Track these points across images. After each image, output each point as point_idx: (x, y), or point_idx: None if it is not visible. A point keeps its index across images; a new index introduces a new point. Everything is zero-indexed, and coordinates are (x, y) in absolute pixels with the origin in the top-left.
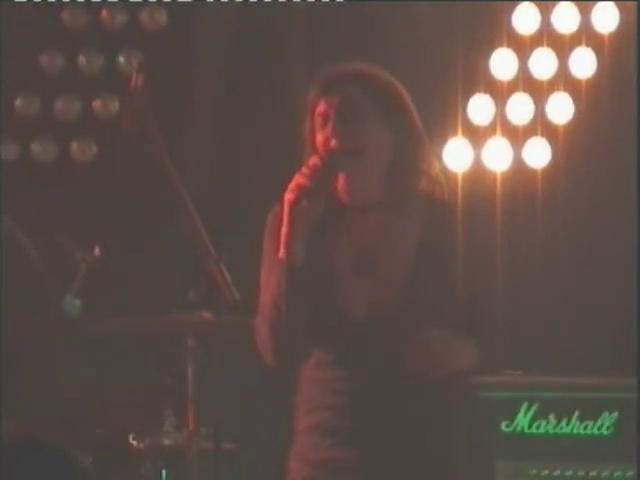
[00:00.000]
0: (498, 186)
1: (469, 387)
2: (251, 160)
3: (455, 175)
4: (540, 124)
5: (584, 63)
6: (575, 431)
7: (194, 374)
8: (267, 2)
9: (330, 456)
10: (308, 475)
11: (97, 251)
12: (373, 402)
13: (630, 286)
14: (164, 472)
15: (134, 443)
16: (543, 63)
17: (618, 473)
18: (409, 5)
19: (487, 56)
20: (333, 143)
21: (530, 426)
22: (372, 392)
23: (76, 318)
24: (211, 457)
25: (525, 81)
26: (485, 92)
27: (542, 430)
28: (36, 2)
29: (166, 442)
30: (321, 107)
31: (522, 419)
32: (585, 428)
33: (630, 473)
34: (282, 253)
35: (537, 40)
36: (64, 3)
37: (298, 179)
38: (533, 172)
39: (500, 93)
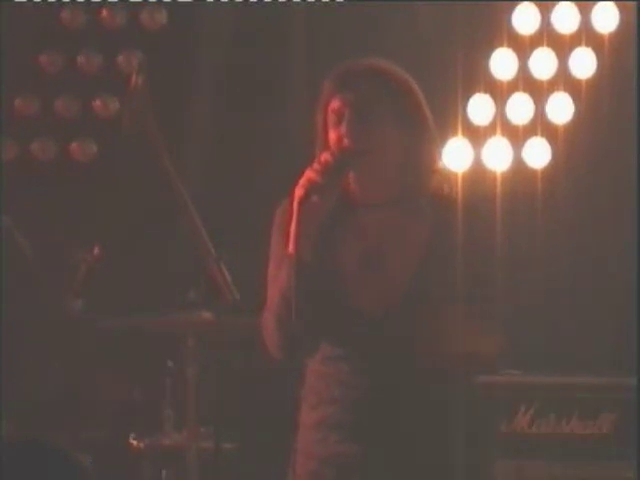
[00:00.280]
0: (498, 186)
1: (471, 386)
2: (251, 160)
3: (455, 175)
4: (540, 124)
5: (584, 63)
6: (575, 431)
7: (194, 374)
8: (267, 2)
9: (337, 451)
10: (314, 470)
11: (97, 251)
12: (380, 397)
13: (630, 286)
14: (164, 472)
15: (134, 443)
16: (543, 63)
17: (618, 473)
18: (409, 5)
19: (487, 56)
20: (346, 142)
21: (530, 426)
22: (379, 387)
23: (76, 318)
24: (211, 457)
25: (525, 81)
26: (485, 92)
27: (542, 430)
28: (36, 2)
29: (166, 442)
30: (335, 104)
31: (522, 419)
32: (585, 428)
33: (630, 473)
34: (291, 248)
35: (537, 40)
36: (64, 3)
37: (309, 174)
38: (533, 172)
39: (500, 93)
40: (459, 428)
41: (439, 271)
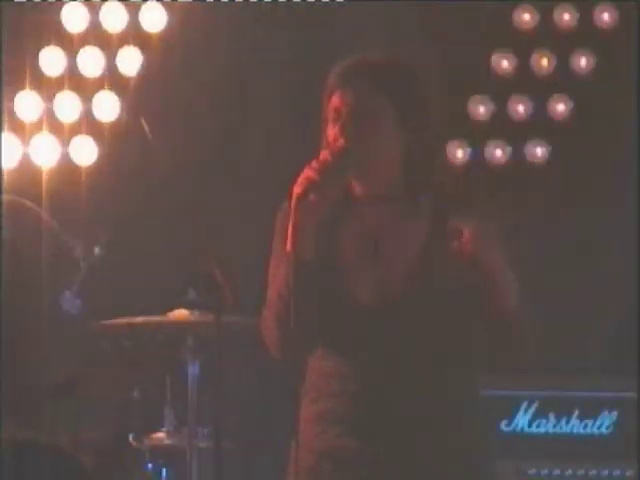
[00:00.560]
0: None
1: (472, 384)
2: (252, 160)
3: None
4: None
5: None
6: (575, 430)
7: (194, 374)
8: (267, 2)
9: (336, 445)
10: (314, 464)
11: (97, 251)
12: (380, 390)
13: (630, 286)
14: (164, 472)
15: (134, 443)
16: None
17: (617, 472)
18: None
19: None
20: (343, 143)
21: (530, 425)
22: (379, 380)
23: (76, 318)
24: (211, 457)
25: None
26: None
27: (542, 429)
28: (36, 2)
29: (166, 442)
30: (335, 101)
31: (522, 418)
32: (585, 427)
33: (630, 472)
34: (289, 246)
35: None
36: (64, 3)
37: (307, 172)
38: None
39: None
40: (459, 423)
41: (439, 266)
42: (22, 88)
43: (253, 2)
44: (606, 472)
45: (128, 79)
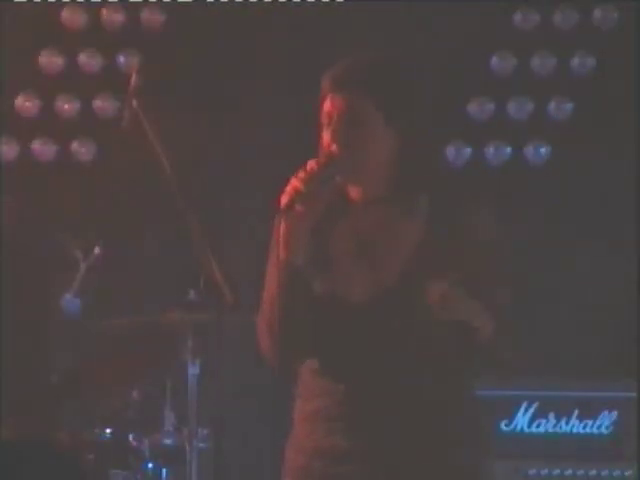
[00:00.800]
0: None
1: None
2: (252, 159)
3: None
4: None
5: None
6: (574, 430)
7: (194, 374)
8: (267, 2)
9: (326, 444)
10: (304, 464)
11: (97, 251)
12: (371, 389)
13: (630, 286)
14: (164, 471)
15: (134, 443)
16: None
17: (617, 472)
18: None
19: None
20: (333, 148)
21: (530, 425)
22: (371, 379)
23: (76, 318)
24: (211, 457)
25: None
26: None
27: (541, 429)
28: (36, 2)
29: (166, 442)
30: (327, 105)
31: (522, 418)
32: (585, 427)
33: (629, 472)
34: (281, 254)
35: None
36: (64, 3)
37: (293, 182)
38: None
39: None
40: (450, 421)
41: (433, 266)
42: (22, 88)
43: (253, 2)
44: (606, 472)
45: (128, 79)
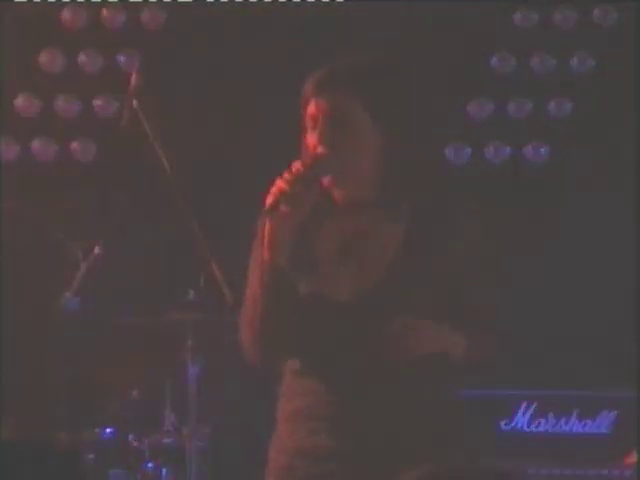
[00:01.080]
0: None
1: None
2: (252, 159)
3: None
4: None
5: None
6: (574, 430)
7: (194, 374)
8: (267, 2)
9: (308, 444)
10: (286, 464)
11: (97, 251)
12: (355, 387)
13: (630, 286)
14: (164, 471)
15: (134, 443)
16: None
17: (617, 472)
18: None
19: None
20: (319, 150)
21: (529, 425)
22: (353, 378)
23: (76, 317)
24: (210, 456)
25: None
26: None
27: (541, 429)
28: (36, 2)
29: (166, 442)
30: (311, 109)
31: (521, 418)
32: (584, 427)
33: (629, 472)
34: (264, 254)
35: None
36: (64, 3)
37: (279, 184)
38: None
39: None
40: (435, 419)
41: (417, 268)
42: (22, 88)
43: (253, 2)
44: (606, 472)
45: (128, 79)
